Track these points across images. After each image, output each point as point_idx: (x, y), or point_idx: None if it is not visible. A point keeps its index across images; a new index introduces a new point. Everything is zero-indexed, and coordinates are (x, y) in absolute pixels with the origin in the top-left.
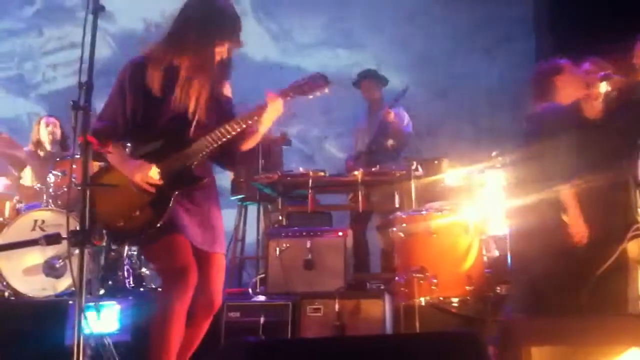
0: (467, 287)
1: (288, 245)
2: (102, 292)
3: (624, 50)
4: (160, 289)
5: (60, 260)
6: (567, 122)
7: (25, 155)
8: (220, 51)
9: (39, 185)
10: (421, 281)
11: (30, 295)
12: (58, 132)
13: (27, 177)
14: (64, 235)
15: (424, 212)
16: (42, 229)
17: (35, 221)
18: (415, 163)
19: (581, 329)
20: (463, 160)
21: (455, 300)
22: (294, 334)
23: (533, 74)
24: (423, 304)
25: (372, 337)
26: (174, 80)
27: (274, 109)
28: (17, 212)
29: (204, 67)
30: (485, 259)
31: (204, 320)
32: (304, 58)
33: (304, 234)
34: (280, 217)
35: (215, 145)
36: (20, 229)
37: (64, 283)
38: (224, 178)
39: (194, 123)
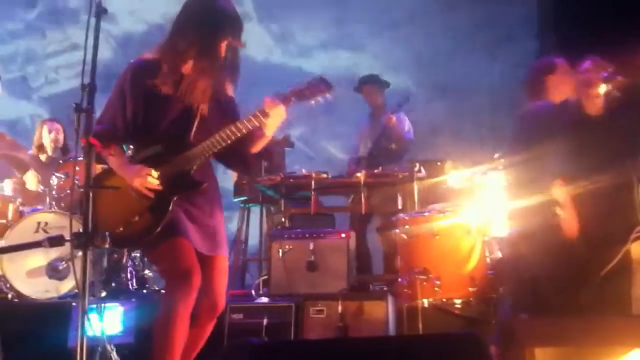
0: (470, 289)
1: (291, 247)
2: (104, 294)
3: (627, 50)
4: (163, 291)
5: (63, 262)
6: (562, 120)
7: (28, 157)
8: (223, 50)
9: (42, 187)
10: (424, 283)
11: (33, 297)
12: (61, 138)
13: (30, 180)
14: (67, 237)
15: (426, 214)
16: (45, 231)
17: (39, 223)
18: (418, 165)
19: (585, 330)
20: (465, 160)
21: (458, 301)
22: (297, 335)
23: (526, 73)
24: (426, 305)
25: (375, 339)
26: (176, 82)
27: (277, 115)
28: (20, 215)
29: (207, 67)
30: (488, 260)
31: (207, 323)
32: (306, 59)
33: (307, 235)
34: (283, 219)
35: (214, 149)
36: (24, 231)
37: (67, 285)
38: (227, 180)
39: (196, 124)
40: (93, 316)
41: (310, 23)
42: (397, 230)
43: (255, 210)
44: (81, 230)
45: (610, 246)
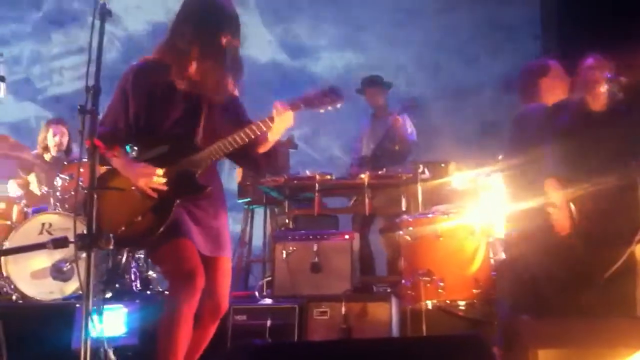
0: (474, 290)
1: (295, 248)
2: (109, 295)
3: (630, 50)
4: (167, 292)
5: (68, 264)
6: (562, 119)
7: (32, 157)
8: (224, 46)
9: (46, 188)
10: (428, 284)
11: (37, 298)
12: (65, 141)
13: (34, 182)
14: (71, 238)
15: (430, 215)
16: (49, 233)
17: (43, 225)
18: (421, 166)
19: (588, 332)
20: (467, 161)
21: (462, 303)
22: (300, 337)
23: (519, 74)
24: (430, 307)
25: (378, 340)
26: (179, 82)
27: (284, 120)
28: (24, 216)
29: (210, 67)
30: (492, 261)
31: (210, 324)
32: (311, 60)
33: (311, 237)
34: (286, 220)
35: (222, 153)
36: (28, 233)
37: (72, 286)
38: (231, 181)
39: (202, 126)
40: (95, 318)
41: (314, 24)
42: (400, 232)
43: (259, 212)
44: (85, 231)
45: (614, 247)
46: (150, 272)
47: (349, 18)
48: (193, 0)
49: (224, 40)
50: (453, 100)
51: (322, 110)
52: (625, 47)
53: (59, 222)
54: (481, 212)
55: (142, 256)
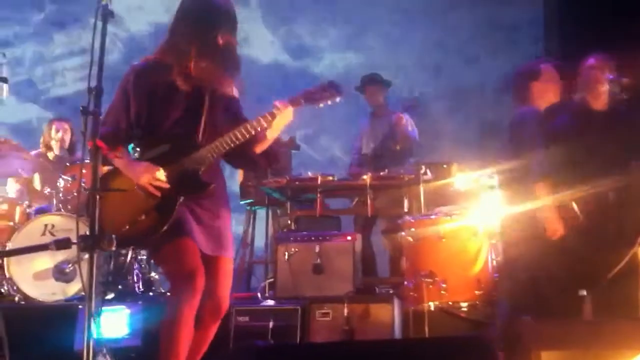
0: (476, 292)
1: (297, 249)
2: (111, 296)
3: (632, 51)
4: (168, 293)
5: (70, 265)
6: (563, 119)
7: (32, 157)
8: (222, 45)
9: (48, 189)
10: (430, 286)
11: (40, 299)
12: (67, 138)
13: (36, 182)
14: (74, 240)
15: (432, 217)
16: (52, 234)
17: (45, 226)
18: (424, 167)
19: (591, 333)
20: (468, 163)
21: (464, 304)
22: (302, 338)
23: (512, 77)
24: (432, 308)
25: (380, 342)
26: (179, 81)
27: (284, 117)
28: (27, 217)
29: (208, 65)
30: (494, 263)
31: (211, 324)
32: (313, 61)
33: (313, 238)
34: (289, 222)
35: (222, 150)
36: (31, 234)
37: (74, 287)
38: (233, 183)
39: (203, 125)
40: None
41: (316, 25)
42: (403, 233)
43: (261, 213)
44: (88, 232)
45: (617, 248)
46: (153, 274)
47: (350, 19)
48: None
49: (220, 38)
50: (454, 101)
51: (321, 105)
52: (628, 47)
53: (61, 223)
54: (484, 213)
55: (145, 257)
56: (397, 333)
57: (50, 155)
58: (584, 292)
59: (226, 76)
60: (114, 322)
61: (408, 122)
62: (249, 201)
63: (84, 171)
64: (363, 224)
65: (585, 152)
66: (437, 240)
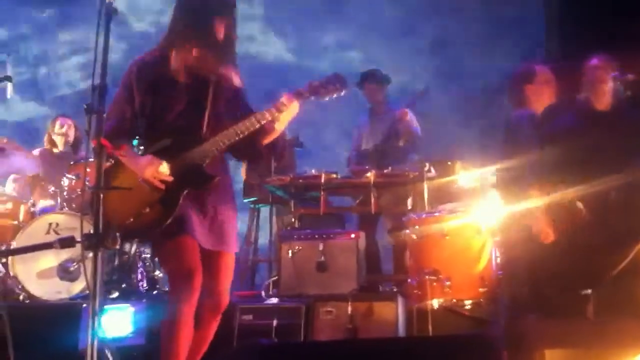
0: (480, 289)
1: (300, 247)
2: (116, 294)
3: (634, 48)
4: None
5: (74, 264)
6: (566, 119)
7: (34, 157)
8: (220, 33)
9: (52, 188)
10: (434, 283)
11: (44, 298)
12: (72, 133)
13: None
14: (78, 238)
15: (436, 214)
16: (56, 232)
17: (50, 224)
18: (427, 165)
19: (595, 332)
20: (473, 160)
21: (468, 302)
22: (306, 336)
23: (508, 80)
24: (436, 306)
25: (384, 340)
26: (180, 73)
27: (290, 110)
28: (31, 216)
29: (208, 53)
30: (498, 260)
31: (211, 320)
32: (317, 59)
33: (317, 236)
34: (292, 220)
35: (227, 143)
36: (35, 233)
37: (79, 286)
38: (237, 181)
39: (207, 117)
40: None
41: (320, 23)
42: (407, 231)
43: (265, 211)
44: (92, 231)
45: (621, 246)
46: (157, 272)
47: (354, 17)
48: None
49: (218, 25)
50: (458, 99)
51: (327, 98)
52: (629, 45)
53: (65, 221)
54: (487, 210)
55: (149, 256)
56: (401, 331)
57: (55, 151)
58: (588, 291)
59: (228, 66)
60: (118, 321)
61: (413, 119)
62: (252, 199)
63: (88, 170)
64: (367, 221)
65: (589, 152)
66: (441, 237)
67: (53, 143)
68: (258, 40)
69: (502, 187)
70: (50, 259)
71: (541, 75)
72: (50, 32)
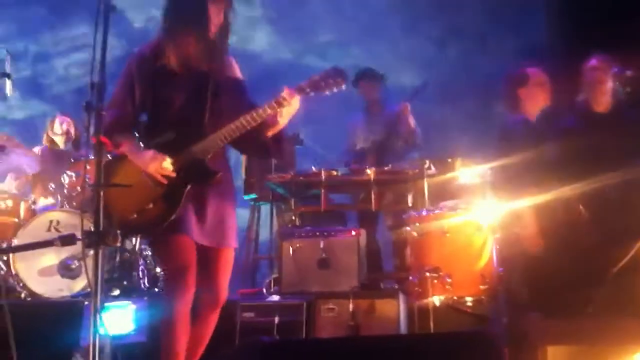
0: (481, 286)
1: (301, 245)
2: (117, 292)
3: (636, 41)
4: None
5: (75, 261)
6: (566, 121)
7: (34, 155)
8: (216, 16)
9: (52, 185)
10: (435, 280)
11: (46, 296)
12: (72, 131)
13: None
14: (79, 236)
15: (437, 211)
16: (57, 230)
17: (51, 222)
18: (428, 162)
19: (597, 329)
20: (473, 157)
21: (469, 299)
22: (308, 333)
23: (502, 85)
24: (437, 303)
25: (386, 337)
26: (179, 65)
27: (291, 106)
28: (32, 213)
29: (205, 38)
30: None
31: (210, 314)
32: (316, 57)
33: (317, 233)
34: (293, 217)
35: (230, 138)
36: (36, 230)
37: (80, 284)
38: (237, 178)
39: (208, 110)
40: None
41: (319, 20)
42: (407, 228)
43: (266, 208)
44: (92, 228)
45: (622, 244)
46: (158, 270)
47: (354, 13)
48: None
49: (213, 11)
50: (459, 96)
51: (327, 93)
52: (632, 38)
53: (66, 219)
54: (488, 207)
55: (150, 253)
56: (403, 328)
57: (56, 149)
58: (589, 290)
59: (225, 56)
60: (120, 318)
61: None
62: (252, 197)
63: (87, 167)
64: (368, 219)
65: (588, 153)
66: (441, 235)
67: (53, 141)
68: (256, 37)
69: (497, 188)
70: (52, 257)
71: (534, 78)
72: (49, 29)
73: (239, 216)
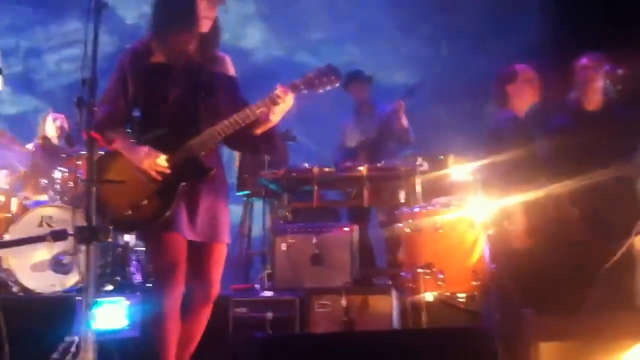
0: (473, 283)
1: (294, 241)
2: (110, 287)
3: (629, 38)
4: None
5: (67, 256)
6: (559, 119)
7: (27, 150)
8: (204, 12)
9: (45, 180)
10: (427, 277)
11: (38, 291)
12: (66, 126)
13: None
14: (71, 231)
15: (429, 208)
16: (49, 225)
17: (42, 217)
18: (420, 159)
19: (589, 324)
20: (466, 153)
21: (462, 295)
22: (301, 329)
23: (492, 82)
24: (430, 299)
25: (379, 333)
26: (171, 60)
27: (285, 102)
28: (24, 208)
29: (194, 33)
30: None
31: (202, 309)
32: (309, 54)
33: (310, 229)
34: (286, 213)
35: (223, 135)
36: (28, 225)
37: (72, 279)
38: (230, 174)
39: (201, 107)
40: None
41: (313, 18)
42: (400, 224)
43: (259, 204)
44: (85, 224)
45: (614, 240)
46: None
47: (348, 10)
48: None
49: (201, 5)
50: (454, 95)
51: (321, 91)
52: (625, 36)
53: (58, 214)
54: (480, 204)
55: (143, 249)
56: (396, 324)
57: (49, 145)
58: (581, 286)
59: (217, 52)
60: (113, 314)
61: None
62: (245, 193)
63: (79, 163)
64: (360, 215)
65: (580, 151)
66: (434, 231)
67: (45, 138)
68: (249, 35)
69: (487, 186)
70: (44, 252)
71: (522, 74)
72: (41, 24)
73: (232, 212)
